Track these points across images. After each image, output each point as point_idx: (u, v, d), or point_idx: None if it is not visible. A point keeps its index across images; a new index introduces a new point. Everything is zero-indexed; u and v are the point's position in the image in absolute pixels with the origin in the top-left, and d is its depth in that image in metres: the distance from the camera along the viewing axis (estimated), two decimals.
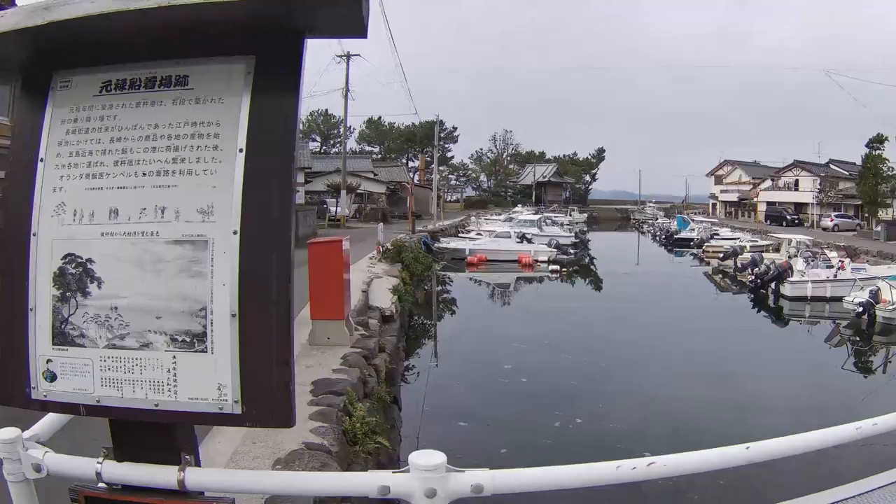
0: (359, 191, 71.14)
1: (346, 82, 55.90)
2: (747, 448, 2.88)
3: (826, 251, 39.25)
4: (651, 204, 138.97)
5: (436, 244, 46.75)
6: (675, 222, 77.96)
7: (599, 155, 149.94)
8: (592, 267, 52.28)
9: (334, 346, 11.98)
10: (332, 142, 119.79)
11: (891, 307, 26.18)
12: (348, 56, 54.98)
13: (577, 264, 47.12)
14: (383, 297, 21.39)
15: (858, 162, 69.70)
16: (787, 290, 32.99)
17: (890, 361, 23.12)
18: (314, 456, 7.37)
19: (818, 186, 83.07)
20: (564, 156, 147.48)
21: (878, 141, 65.59)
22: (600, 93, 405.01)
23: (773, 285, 34.17)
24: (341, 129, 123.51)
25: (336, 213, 59.27)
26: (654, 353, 22.20)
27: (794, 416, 14.81)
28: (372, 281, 23.39)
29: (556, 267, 43.61)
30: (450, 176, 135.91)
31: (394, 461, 9.96)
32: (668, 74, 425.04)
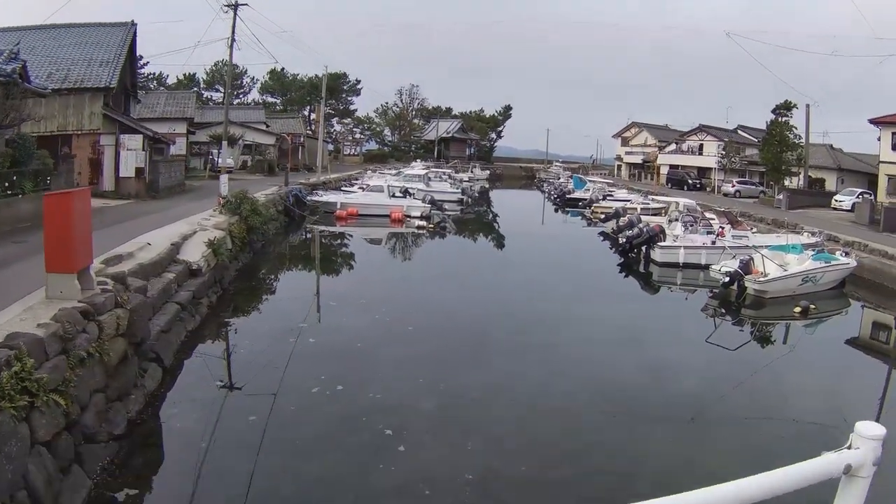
0: (247, 142, 69.95)
1: (232, 32, 54.18)
2: None
3: (707, 216, 38.19)
4: (558, 163, 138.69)
5: (309, 197, 46.27)
6: (572, 182, 77.80)
7: (506, 112, 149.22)
8: (468, 224, 52.05)
9: (64, 301, 11.66)
10: (235, 92, 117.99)
11: (762, 279, 25.45)
12: (235, 5, 53.72)
13: (446, 221, 46.62)
14: (196, 251, 21.06)
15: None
16: (657, 255, 32.21)
17: (754, 337, 22.61)
18: None
19: (722, 151, 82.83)
20: (471, 112, 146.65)
21: (785, 108, 64.73)
22: (516, 51, 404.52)
23: (644, 249, 32.96)
24: (244, 80, 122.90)
25: (218, 164, 58.41)
26: (476, 315, 22.07)
27: (621, 400, 14.87)
28: (195, 233, 22.90)
29: (424, 223, 43.24)
30: (354, 129, 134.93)
31: (71, 418, 9.79)
32: (587, 35, 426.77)
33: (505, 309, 23.27)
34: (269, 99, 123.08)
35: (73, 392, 9.97)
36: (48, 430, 9.08)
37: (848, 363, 20.02)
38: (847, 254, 31.10)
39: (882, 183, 57.06)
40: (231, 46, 51.27)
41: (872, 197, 55.89)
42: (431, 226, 43.54)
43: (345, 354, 16.62)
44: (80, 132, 35.26)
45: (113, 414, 11.42)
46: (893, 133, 56.31)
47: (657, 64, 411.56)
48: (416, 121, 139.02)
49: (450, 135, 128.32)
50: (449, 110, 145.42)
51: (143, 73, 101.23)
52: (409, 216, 44.64)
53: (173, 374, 14.48)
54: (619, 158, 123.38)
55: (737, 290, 25.35)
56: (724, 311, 24.82)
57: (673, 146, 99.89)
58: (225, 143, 50.76)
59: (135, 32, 41.04)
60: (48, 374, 9.37)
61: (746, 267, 25.72)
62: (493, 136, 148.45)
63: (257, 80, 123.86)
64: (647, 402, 14.71)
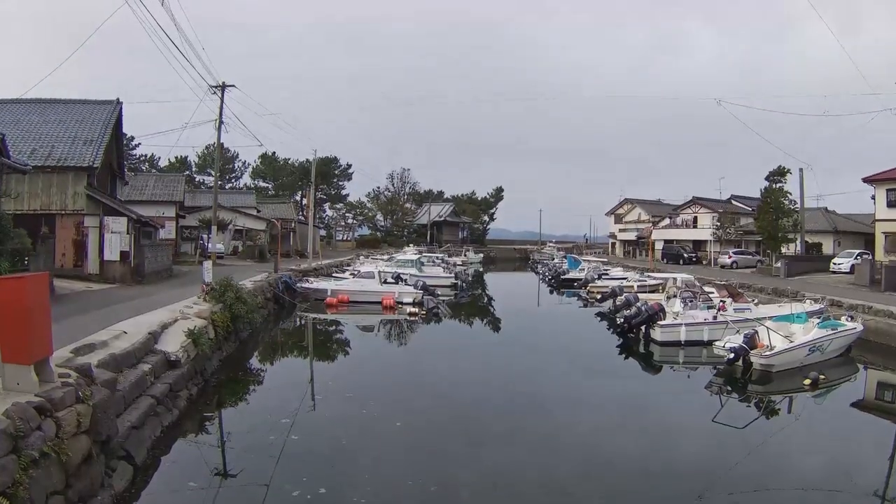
0: (237, 227, 69.64)
1: (220, 114, 53.69)
2: None
3: (706, 290, 37.47)
4: (551, 244, 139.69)
5: (299, 284, 45.52)
6: (567, 262, 77.38)
7: (498, 194, 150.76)
8: (463, 309, 51.23)
9: (20, 394, 10.71)
10: (227, 176, 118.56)
11: (767, 353, 24.59)
12: (223, 87, 53.15)
13: (439, 307, 45.61)
14: (175, 341, 20.07)
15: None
16: (657, 334, 31.09)
17: (762, 413, 21.30)
18: None
19: (716, 223, 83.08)
20: (463, 195, 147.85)
21: (779, 174, 64.85)
22: (506, 131, 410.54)
23: (643, 329, 31.88)
24: (235, 164, 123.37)
25: (208, 248, 57.76)
26: (470, 404, 20.96)
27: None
28: (176, 322, 21.92)
29: (415, 310, 42.27)
30: (347, 214, 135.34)
31: None
32: (579, 115, 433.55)
33: (501, 396, 22.16)
34: (261, 183, 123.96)
35: (25, 495, 9.03)
36: None
37: (860, 430, 19.54)
38: (852, 318, 30.34)
39: (879, 241, 57.45)
40: (219, 129, 50.78)
41: (871, 257, 55.90)
42: (423, 312, 42.44)
43: (330, 453, 15.55)
44: (63, 212, 35.10)
45: None
46: (888, 190, 56.99)
47: (648, 137, 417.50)
48: (408, 205, 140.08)
49: (442, 218, 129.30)
50: (441, 194, 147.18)
51: (135, 155, 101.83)
52: (400, 302, 43.78)
53: (147, 473, 13.38)
54: (612, 236, 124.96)
55: (742, 365, 24.69)
56: (729, 388, 23.81)
57: (667, 220, 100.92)
58: (214, 227, 50.11)
59: (120, 111, 41.03)
60: None
61: (751, 341, 25.01)
62: (486, 218, 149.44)
63: (249, 164, 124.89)
64: (653, 485, 14.06)
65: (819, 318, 28.93)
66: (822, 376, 23.36)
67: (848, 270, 56.26)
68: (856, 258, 57.91)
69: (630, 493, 13.72)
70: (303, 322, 39.76)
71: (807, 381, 22.87)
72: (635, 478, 14.43)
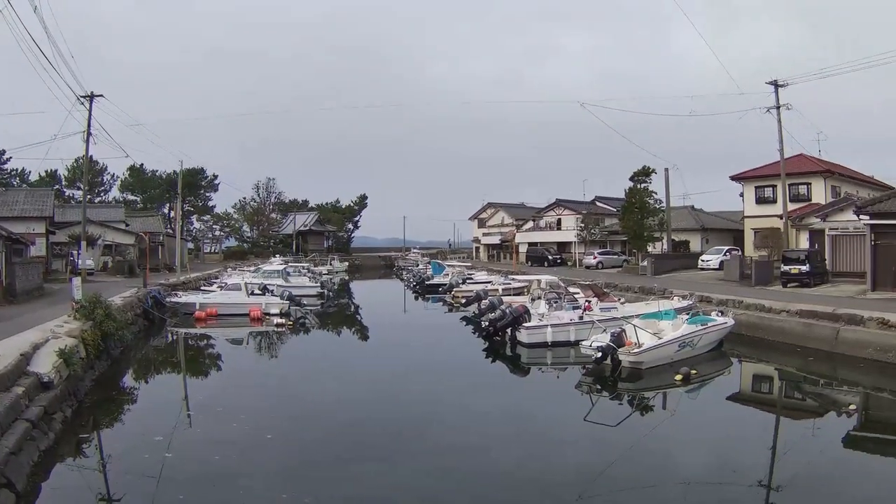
0: (107, 242, 68.59)
1: (88, 125, 52.86)
2: None
3: (571, 290, 37.56)
4: (416, 250, 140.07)
5: (168, 298, 45.69)
6: (431, 268, 78.28)
7: (361, 202, 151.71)
8: (330, 318, 52.27)
9: None
10: (96, 189, 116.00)
11: (636, 350, 24.90)
12: (91, 97, 52.40)
13: (307, 317, 46.54)
14: (47, 361, 20.00)
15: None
16: (523, 336, 31.37)
17: (635, 409, 21.95)
18: None
19: (580, 224, 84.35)
20: (327, 203, 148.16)
21: (644, 174, 65.95)
22: (369, 138, 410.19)
23: (509, 331, 32.29)
24: (104, 177, 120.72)
25: (78, 265, 56.82)
26: (338, 415, 21.42)
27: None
28: (48, 342, 21.99)
29: (282, 321, 42.69)
30: (214, 226, 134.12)
31: None
32: (445, 122, 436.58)
33: (369, 406, 22.46)
34: (130, 196, 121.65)
35: None
36: None
37: (737, 422, 20.31)
38: (723, 313, 31.48)
39: (749, 237, 60.97)
40: (87, 140, 50.17)
41: (740, 253, 58.36)
42: (290, 322, 42.94)
43: (204, 469, 15.86)
44: None
45: None
46: (756, 188, 60.70)
47: (511, 141, 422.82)
48: (273, 215, 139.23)
49: (307, 228, 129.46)
50: (305, 203, 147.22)
51: (6, 170, 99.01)
52: (268, 314, 44.16)
53: (29, 500, 13.49)
54: (476, 240, 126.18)
55: (611, 364, 24.80)
56: (599, 387, 24.14)
57: (530, 223, 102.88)
58: (83, 243, 49.43)
59: None
60: None
61: (618, 339, 25.17)
62: (350, 226, 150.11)
63: (118, 177, 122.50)
64: (530, 491, 14.21)
65: (688, 314, 29.59)
66: (693, 371, 24.22)
67: (717, 267, 58.70)
68: (725, 254, 60.26)
69: (507, 502, 14.04)
70: (174, 337, 39.81)
71: (678, 377, 23.52)
72: (510, 485, 14.60)
